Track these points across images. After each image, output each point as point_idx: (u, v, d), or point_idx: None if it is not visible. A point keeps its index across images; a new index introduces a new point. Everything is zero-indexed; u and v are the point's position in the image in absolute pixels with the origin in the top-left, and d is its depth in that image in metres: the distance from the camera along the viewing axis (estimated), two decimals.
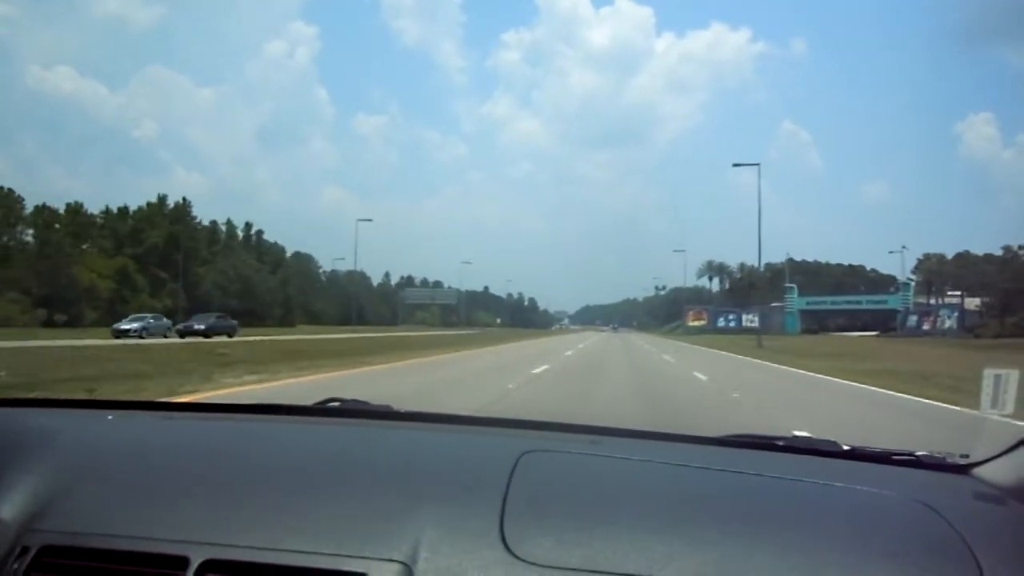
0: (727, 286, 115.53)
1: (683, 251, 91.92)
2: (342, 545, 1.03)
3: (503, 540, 1.02)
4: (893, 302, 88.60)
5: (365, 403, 1.80)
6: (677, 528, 1.07)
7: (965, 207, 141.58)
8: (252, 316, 59.91)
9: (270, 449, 1.42)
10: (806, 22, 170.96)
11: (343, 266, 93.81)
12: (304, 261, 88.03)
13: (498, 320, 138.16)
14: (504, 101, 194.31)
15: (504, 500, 1.09)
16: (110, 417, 1.66)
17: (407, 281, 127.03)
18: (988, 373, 1.44)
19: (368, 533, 1.05)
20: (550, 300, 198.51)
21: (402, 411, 1.73)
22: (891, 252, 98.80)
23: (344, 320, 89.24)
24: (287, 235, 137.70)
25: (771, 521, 1.12)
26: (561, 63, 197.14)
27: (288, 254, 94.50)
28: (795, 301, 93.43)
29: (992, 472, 1.30)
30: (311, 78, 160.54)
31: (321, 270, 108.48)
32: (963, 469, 1.37)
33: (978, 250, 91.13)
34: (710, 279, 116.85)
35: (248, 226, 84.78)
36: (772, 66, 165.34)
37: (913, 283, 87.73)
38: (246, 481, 1.22)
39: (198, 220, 73.04)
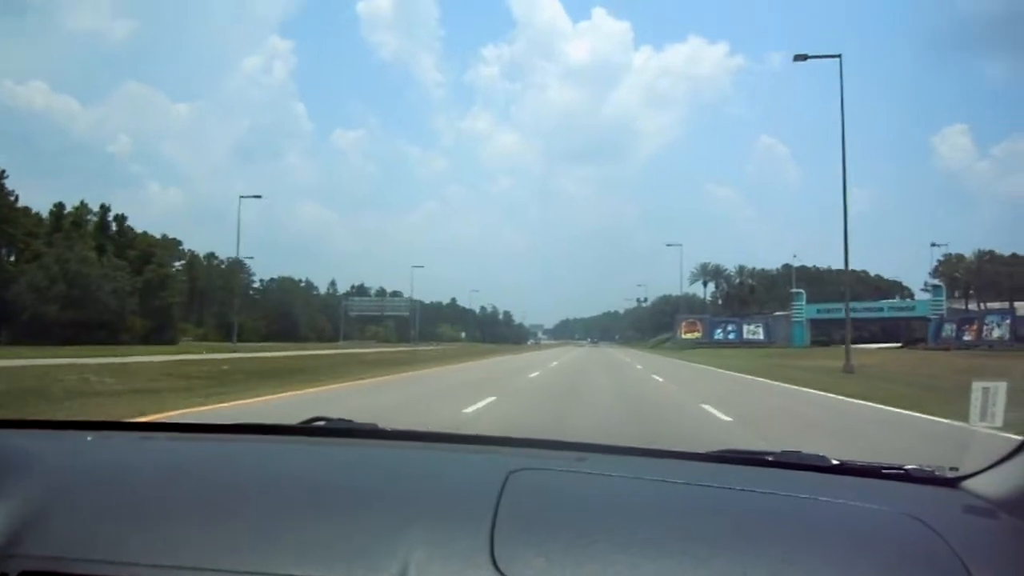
0: (723, 292, 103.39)
1: (679, 245, 76.38)
2: (330, 567, 1.02)
3: (493, 560, 1.01)
4: (922, 308, 76.32)
5: (350, 422, 1.80)
6: (667, 546, 1.06)
7: (942, 216, 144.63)
8: (88, 328, 45.32)
9: (254, 469, 1.40)
10: (783, 35, 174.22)
11: (320, 277, 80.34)
12: (235, 266, 72.40)
13: (463, 334, 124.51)
14: (483, 116, 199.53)
15: (494, 519, 1.08)
16: (89, 438, 1.63)
17: (358, 291, 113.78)
18: (977, 385, 1.48)
19: (356, 554, 1.03)
20: (528, 314, 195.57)
21: (388, 429, 1.72)
22: (932, 245, 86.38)
23: (272, 336, 75.87)
24: (265, 251, 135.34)
25: (762, 538, 1.11)
26: (540, 77, 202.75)
27: (225, 260, 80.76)
28: (803, 309, 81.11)
29: (982, 485, 1.31)
30: (288, 93, 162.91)
31: (255, 278, 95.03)
32: (953, 482, 1.37)
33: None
34: (704, 284, 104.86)
35: (104, 209, 64.14)
36: (750, 79, 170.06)
37: (943, 287, 75.31)
38: (230, 502, 1.20)
39: (14, 197, 55.70)
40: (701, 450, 1.59)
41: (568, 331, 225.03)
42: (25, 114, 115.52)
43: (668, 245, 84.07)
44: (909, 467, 1.45)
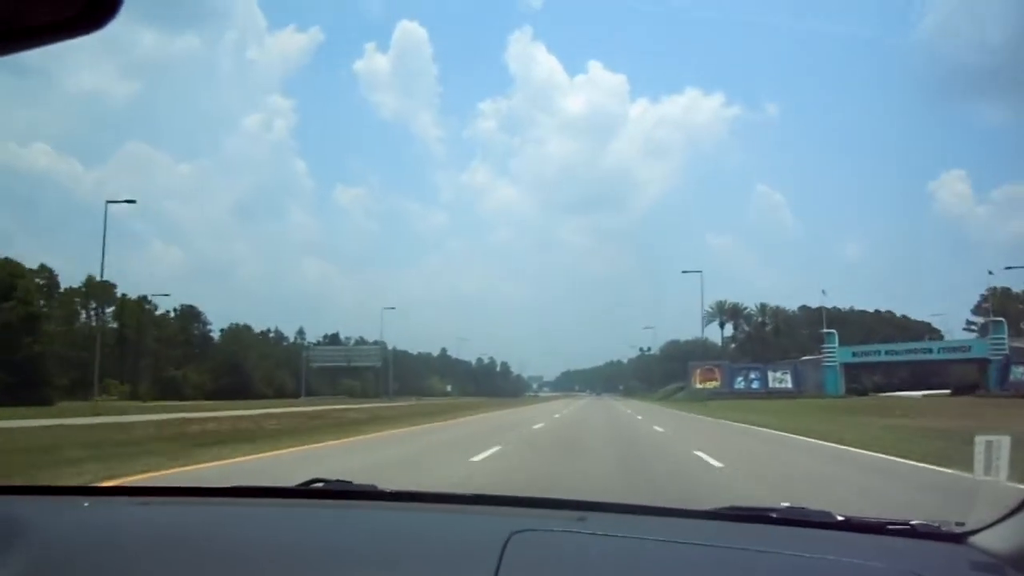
0: (744, 335, 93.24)
1: (698, 272, 67.35)
2: None
3: None
4: (979, 349, 65.79)
5: (349, 483, 1.81)
6: None
7: (942, 263, 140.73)
8: None
9: (252, 534, 1.41)
10: (778, 85, 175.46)
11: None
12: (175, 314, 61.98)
13: (448, 387, 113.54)
14: (482, 169, 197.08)
15: None
16: (86, 504, 1.66)
17: (331, 340, 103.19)
18: (980, 440, 1.51)
19: None
20: (530, 366, 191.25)
21: (387, 491, 1.73)
22: (989, 272, 76.87)
23: (219, 392, 65.30)
24: (264, 307, 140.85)
25: None
26: (538, 131, 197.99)
27: (173, 310, 70.28)
28: (838, 352, 70.63)
29: (988, 540, 1.30)
30: (289, 150, 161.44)
31: (209, 328, 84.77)
32: (959, 538, 1.37)
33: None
34: (721, 325, 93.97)
35: None
36: (746, 129, 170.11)
37: (1004, 323, 64.85)
38: (227, 568, 1.21)
39: None
40: (704, 507, 1.57)
41: (569, 383, 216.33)
42: (27, 176, 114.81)
43: (684, 272, 73.07)
44: (915, 522, 1.43)
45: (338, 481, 1.82)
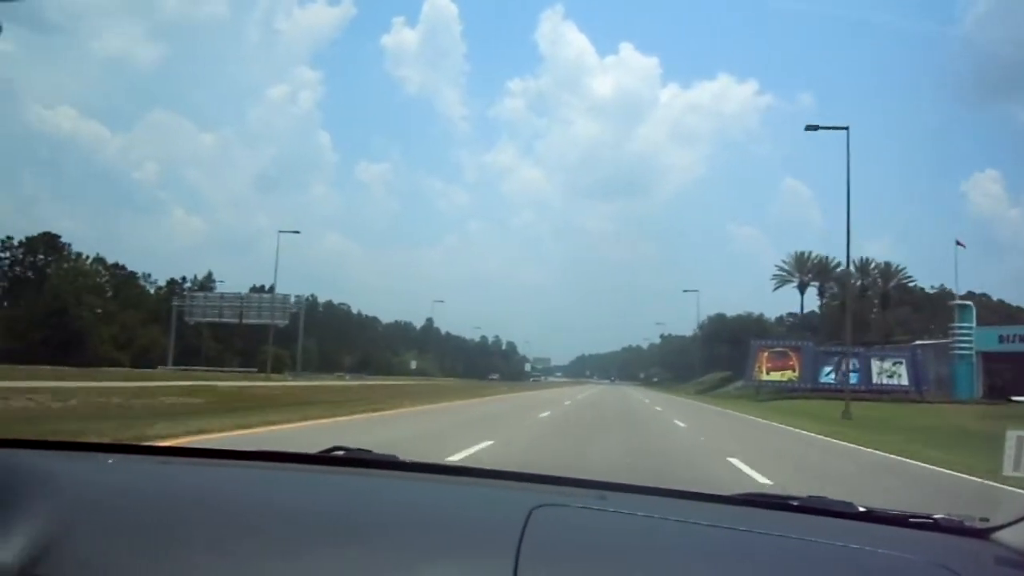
0: (836, 303, 66.08)
1: (695, 291, 54.26)
2: None
3: None
4: None
5: (369, 452, 1.81)
6: None
7: (971, 264, 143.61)
8: None
9: (271, 498, 1.41)
10: (811, 76, 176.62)
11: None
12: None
13: (413, 364, 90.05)
14: (507, 150, 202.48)
15: (516, 556, 1.09)
16: (110, 460, 1.67)
17: (259, 290, 71.65)
18: (1011, 434, 1.50)
19: None
20: (540, 349, 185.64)
21: (408, 461, 1.73)
22: None
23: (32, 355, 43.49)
24: (286, 281, 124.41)
25: None
26: (565, 112, 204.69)
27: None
28: (977, 335, 47.26)
29: (1013, 536, 1.29)
30: (314, 123, 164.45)
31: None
32: (983, 533, 1.36)
33: None
34: (801, 290, 67.27)
35: None
36: (777, 119, 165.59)
37: None
38: (246, 530, 1.22)
39: None
40: (725, 492, 1.60)
41: (584, 368, 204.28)
42: (53, 139, 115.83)
43: (685, 291, 70.98)
44: (938, 516, 1.42)
45: (359, 450, 1.81)
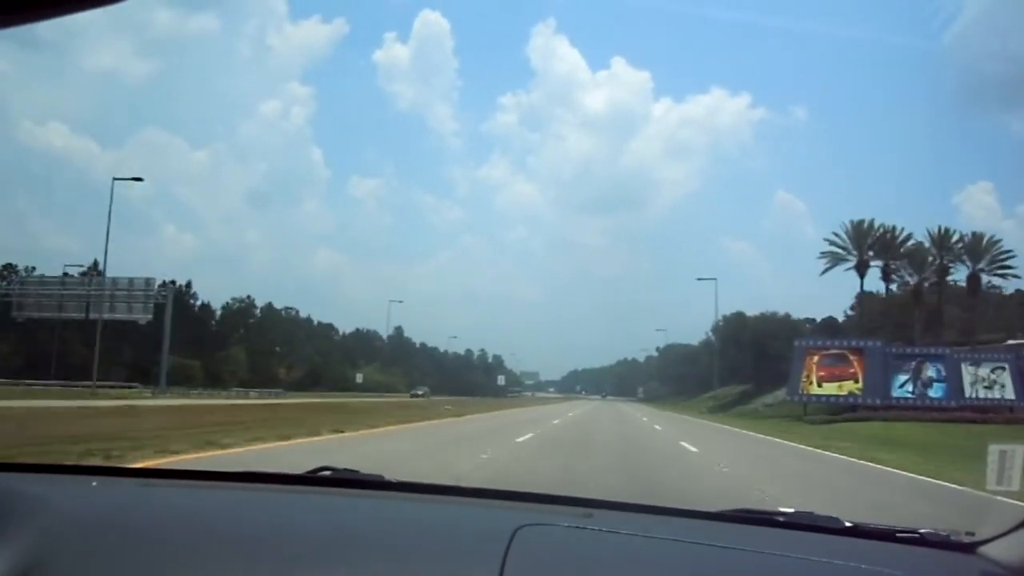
0: (902, 288, 50.60)
1: (712, 279, 45.84)
2: None
3: None
4: None
5: (356, 472, 1.82)
6: None
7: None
8: None
9: (258, 519, 1.42)
10: (806, 88, 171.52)
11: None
12: None
13: (359, 378, 75.02)
14: (500, 164, 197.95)
15: (500, 575, 1.09)
16: (94, 483, 1.69)
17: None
18: (993, 449, 1.50)
19: None
20: (530, 363, 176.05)
21: (394, 481, 1.75)
22: None
23: None
24: (276, 297, 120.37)
25: None
26: (558, 127, 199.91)
27: None
28: None
29: (999, 551, 1.29)
30: (306, 138, 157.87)
31: None
32: (969, 548, 1.36)
33: None
34: (861, 271, 50.26)
35: None
36: (772, 132, 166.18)
37: None
38: (234, 553, 1.21)
39: None
40: (712, 508, 1.59)
41: (576, 383, 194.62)
42: (44, 155, 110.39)
43: (699, 279, 62.84)
44: (924, 531, 1.43)
45: (346, 470, 1.82)
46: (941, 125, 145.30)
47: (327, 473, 1.78)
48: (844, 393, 38.05)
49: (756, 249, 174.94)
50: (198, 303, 68.28)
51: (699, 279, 58.03)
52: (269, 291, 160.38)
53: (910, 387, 37.00)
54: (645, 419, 35.56)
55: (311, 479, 1.75)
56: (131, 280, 42.88)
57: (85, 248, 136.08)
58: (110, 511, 1.41)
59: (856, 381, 38.05)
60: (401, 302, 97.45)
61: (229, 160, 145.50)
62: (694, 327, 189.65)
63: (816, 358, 39.28)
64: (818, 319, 62.03)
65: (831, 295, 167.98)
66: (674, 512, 1.58)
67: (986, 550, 1.30)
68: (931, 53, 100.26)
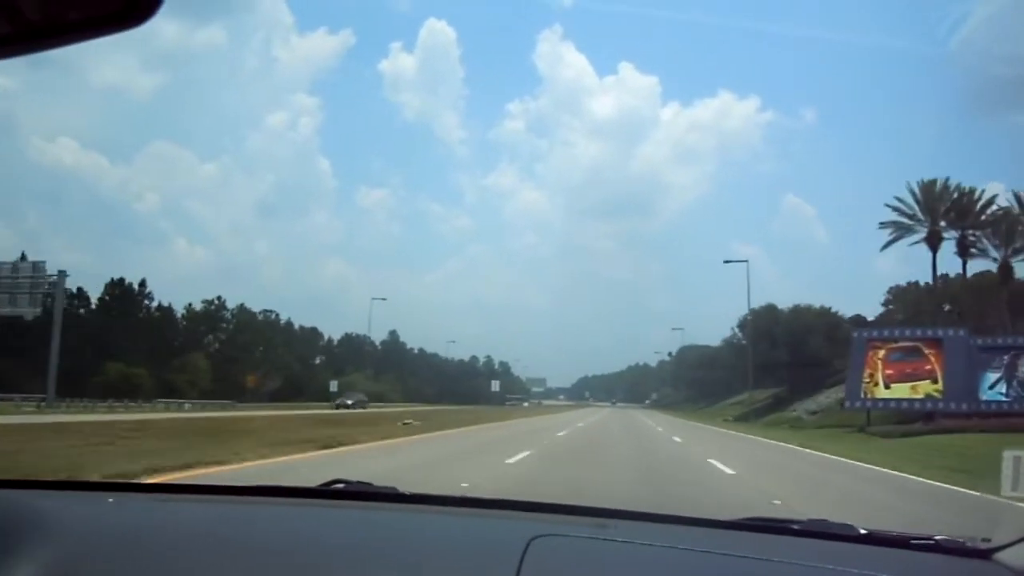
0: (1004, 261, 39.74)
1: (743, 261, 42.86)
2: None
3: None
4: None
5: (369, 484, 1.84)
6: None
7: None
8: None
9: (272, 533, 1.44)
10: (814, 91, 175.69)
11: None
12: None
13: (334, 386, 66.31)
14: (508, 172, 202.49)
15: None
16: (110, 500, 1.70)
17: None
18: (1008, 455, 1.70)
19: None
20: (539, 370, 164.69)
21: (408, 493, 1.78)
22: None
23: None
24: (285, 309, 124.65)
25: None
26: (565, 134, 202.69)
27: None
28: None
29: (1015, 557, 1.29)
30: (314, 149, 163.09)
31: None
32: (984, 554, 1.36)
33: None
34: (932, 246, 40.13)
35: None
36: (780, 136, 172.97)
37: None
38: (249, 567, 1.23)
39: None
40: (727, 517, 1.57)
41: (586, 389, 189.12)
42: (54, 171, 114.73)
43: (726, 262, 50.60)
44: (939, 538, 1.43)
45: (359, 483, 1.84)
46: (949, 127, 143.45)
47: (340, 486, 1.78)
48: (919, 396, 30.64)
49: (765, 252, 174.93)
50: (154, 304, 61.35)
51: (726, 261, 50.59)
52: (278, 303, 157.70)
53: (1003, 388, 29.53)
54: (660, 429, 28.37)
55: (325, 492, 1.76)
56: (14, 265, 34.17)
57: (92, 261, 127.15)
58: (127, 527, 1.41)
59: (935, 381, 30.64)
60: (384, 299, 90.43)
61: (237, 172, 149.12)
62: (708, 330, 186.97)
63: (882, 353, 31.77)
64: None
65: (847, 295, 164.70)
66: (689, 521, 1.57)
67: (1001, 556, 1.29)
68: (938, 57, 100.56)
